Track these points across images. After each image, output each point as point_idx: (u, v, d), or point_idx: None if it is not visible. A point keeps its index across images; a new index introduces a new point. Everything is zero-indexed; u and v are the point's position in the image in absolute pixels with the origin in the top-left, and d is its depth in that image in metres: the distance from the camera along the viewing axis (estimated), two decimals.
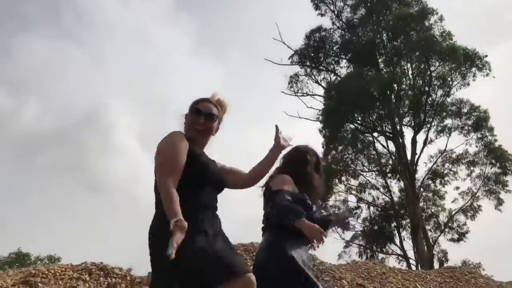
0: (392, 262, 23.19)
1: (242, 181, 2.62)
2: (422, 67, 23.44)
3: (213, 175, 2.40)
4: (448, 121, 23.70)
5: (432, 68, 23.14)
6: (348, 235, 24.06)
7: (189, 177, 2.26)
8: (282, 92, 25.73)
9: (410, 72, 24.02)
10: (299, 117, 24.83)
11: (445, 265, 19.27)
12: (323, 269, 5.90)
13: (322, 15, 26.02)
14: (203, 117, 2.44)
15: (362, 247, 24.27)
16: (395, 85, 23.00)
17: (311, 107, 25.51)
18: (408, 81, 23.92)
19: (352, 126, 24.25)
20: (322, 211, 2.99)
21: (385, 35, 24.69)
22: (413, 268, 20.61)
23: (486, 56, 22.28)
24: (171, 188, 2.11)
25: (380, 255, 24.17)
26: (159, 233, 2.17)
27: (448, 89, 23.29)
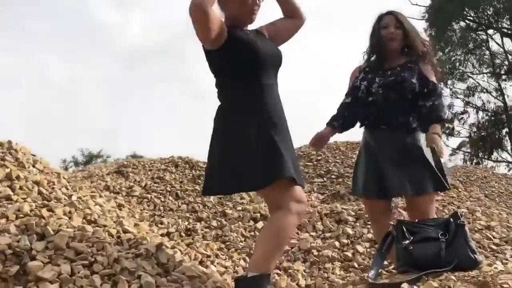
0: (502, 170, 21.86)
1: (290, 24, 2.38)
2: None
3: (265, 54, 2.16)
4: None
5: None
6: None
7: (240, 65, 2.12)
8: None
9: None
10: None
11: None
12: None
13: None
14: None
15: (467, 154, 23.07)
16: None
17: (416, 4, 23.32)
18: None
19: (462, 24, 21.91)
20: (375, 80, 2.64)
21: None
22: None
23: None
24: None
25: (489, 163, 22.84)
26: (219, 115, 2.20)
27: None
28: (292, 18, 2.36)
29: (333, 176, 4.95)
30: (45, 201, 2.51)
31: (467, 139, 23.68)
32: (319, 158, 5.56)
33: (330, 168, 5.19)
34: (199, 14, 1.93)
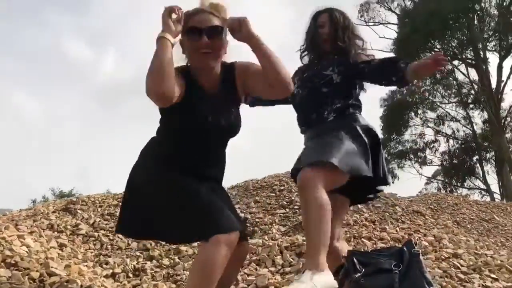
0: (475, 197, 22.05)
1: (269, 90, 1.88)
2: None
3: (213, 130, 1.91)
4: None
5: None
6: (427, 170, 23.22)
7: (181, 129, 1.91)
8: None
9: None
10: (371, 49, 23.27)
11: None
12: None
13: None
14: (205, 34, 1.82)
15: (440, 182, 23.25)
16: (476, 6, 20.66)
17: (384, 37, 23.96)
18: (495, 0, 21.40)
19: (428, 54, 22.46)
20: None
21: None
22: None
23: None
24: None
25: (463, 191, 23.07)
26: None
27: None
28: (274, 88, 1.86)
29: (296, 207, 4.74)
30: None
31: (440, 168, 23.96)
32: (282, 188, 5.35)
33: (293, 198, 4.99)
34: (160, 101, 1.74)
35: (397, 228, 4.23)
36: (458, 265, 3.51)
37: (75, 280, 2.29)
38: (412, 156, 23.20)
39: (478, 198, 21.90)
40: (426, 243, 3.96)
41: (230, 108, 1.98)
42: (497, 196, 21.55)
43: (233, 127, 1.98)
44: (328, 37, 2.42)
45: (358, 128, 2.27)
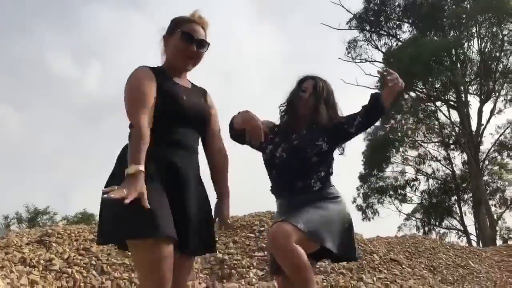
0: (452, 237, 22.29)
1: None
2: (494, 30, 21.55)
3: (185, 108, 2.00)
4: None
5: (505, 32, 21.23)
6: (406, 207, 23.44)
7: (158, 112, 1.94)
8: (340, 58, 24.74)
9: (480, 36, 22.11)
10: (357, 85, 23.86)
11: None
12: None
13: None
14: (195, 44, 2.06)
15: (419, 220, 23.43)
16: (460, 50, 21.30)
17: (370, 74, 24.43)
18: (476, 46, 22.11)
19: (413, 94, 22.97)
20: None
21: None
22: (474, 244, 19.63)
23: None
24: (143, 129, 1.81)
25: (442, 231, 23.30)
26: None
27: None
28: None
29: None
30: None
31: (419, 206, 24.18)
32: (262, 229, 5.31)
33: None
34: None
35: (374, 278, 4.23)
36: None
37: None
38: (392, 193, 23.40)
39: (455, 238, 22.14)
40: None
41: (201, 99, 2.14)
42: (473, 238, 21.81)
43: (206, 110, 2.11)
44: (307, 102, 2.47)
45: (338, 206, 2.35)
